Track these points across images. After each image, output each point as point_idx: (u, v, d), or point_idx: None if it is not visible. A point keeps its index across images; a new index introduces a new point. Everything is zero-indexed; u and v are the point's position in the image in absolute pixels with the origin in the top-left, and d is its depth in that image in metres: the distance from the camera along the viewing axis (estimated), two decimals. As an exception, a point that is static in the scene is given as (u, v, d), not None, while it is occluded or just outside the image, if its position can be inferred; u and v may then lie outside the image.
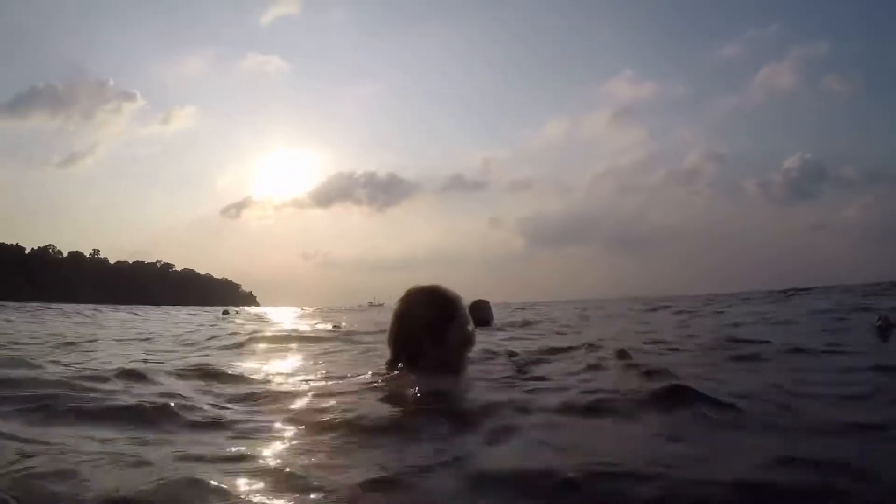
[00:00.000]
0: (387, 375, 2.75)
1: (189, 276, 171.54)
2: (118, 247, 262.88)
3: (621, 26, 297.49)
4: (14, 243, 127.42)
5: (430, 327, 2.72)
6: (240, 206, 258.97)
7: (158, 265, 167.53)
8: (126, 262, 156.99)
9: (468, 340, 2.85)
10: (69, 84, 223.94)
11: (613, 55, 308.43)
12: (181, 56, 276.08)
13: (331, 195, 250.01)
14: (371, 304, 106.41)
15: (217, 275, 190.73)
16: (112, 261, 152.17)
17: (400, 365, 2.78)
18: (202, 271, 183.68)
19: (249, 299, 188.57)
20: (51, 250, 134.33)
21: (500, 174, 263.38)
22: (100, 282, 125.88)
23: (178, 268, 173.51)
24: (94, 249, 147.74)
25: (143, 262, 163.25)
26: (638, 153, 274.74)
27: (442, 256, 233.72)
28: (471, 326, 2.86)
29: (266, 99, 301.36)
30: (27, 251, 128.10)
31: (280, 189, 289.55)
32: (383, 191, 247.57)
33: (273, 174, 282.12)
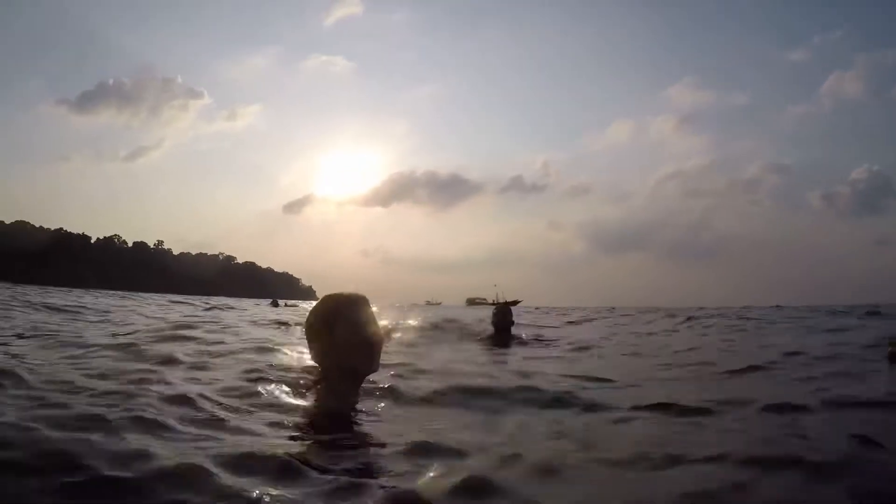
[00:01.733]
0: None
1: (250, 269, 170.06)
2: (182, 238, 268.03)
3: (681, 32, 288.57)
4: (81, 233, 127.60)
5: (322, 329, 2.89)
6: (302, 203, 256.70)
7: (221, 257, 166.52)
8: (189, 254, 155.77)
9: (361, 342, 2.90)
10: (137, 81, 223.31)
11: (673, 62, 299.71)
12: (247, 56, 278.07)
13: (391, 194, 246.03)
14: (429, 303, 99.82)
15: (278, 268, 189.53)
16: (175, 252, 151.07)
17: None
18: (263, 265, 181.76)
19: (309, 293, 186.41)
20: (116, 240, 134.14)
21: (560, 177, 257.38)
22: (163, 272, 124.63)
23: (240, 260, 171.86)
24: (157, 240, 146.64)
25: (205, 254, 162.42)
26: (697, 162, 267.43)
27: (501, 257, 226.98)
28: (368, 330, 2.92)
29: (329, 98, 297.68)
30: (93, 241, 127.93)
31: (342, 187, 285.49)
32: (444, 191, 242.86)
33: (335, 172, 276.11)
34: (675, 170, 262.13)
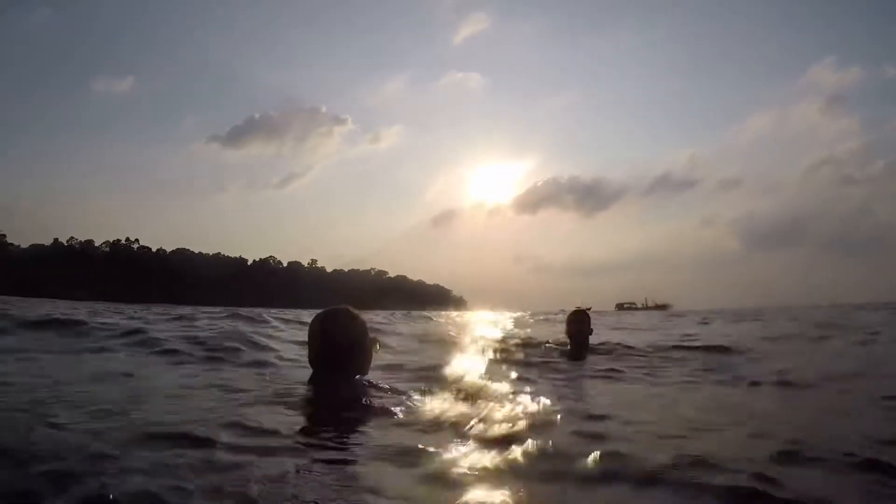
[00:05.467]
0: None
1: (401, 282, 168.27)
2: (335, 256, 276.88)
3: (816, 10, 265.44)
4: (237, 256, 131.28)
5: (358, 341, 3.27)
6: (450, 215, 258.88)
7: (372, 272, 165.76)
8: (342, 271, 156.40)
9: (375, 348, 3.47)
10: (283, 113, 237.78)
11: (812, 41, 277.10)
12: (384, 80, 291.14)
13: (538, 201, 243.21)
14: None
15: (429, 281, 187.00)
16: (329, 269, 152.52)
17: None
18: (414, 278, 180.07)
19: (461, 303, 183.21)
20: (271, 261, 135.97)
21: (708, 172, 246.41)
22: (317, 289, 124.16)
23: (392, 275, 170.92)
24: (311, 259, 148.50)
25: (357, 270, 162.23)
26: (851, 145, 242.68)
27: (652, 259, 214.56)
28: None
29: (468, 113, 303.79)
30: (249, 262, 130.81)
31: (487, 197, 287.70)
32: (590, 195, 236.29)
33: (480, 183, 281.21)
34: (828, 155, 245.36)
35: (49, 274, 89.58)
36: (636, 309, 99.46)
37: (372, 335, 3.40)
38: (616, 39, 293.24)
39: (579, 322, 7.09)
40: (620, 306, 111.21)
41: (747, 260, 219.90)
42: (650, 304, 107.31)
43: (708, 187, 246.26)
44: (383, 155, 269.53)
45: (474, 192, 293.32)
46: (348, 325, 3.22)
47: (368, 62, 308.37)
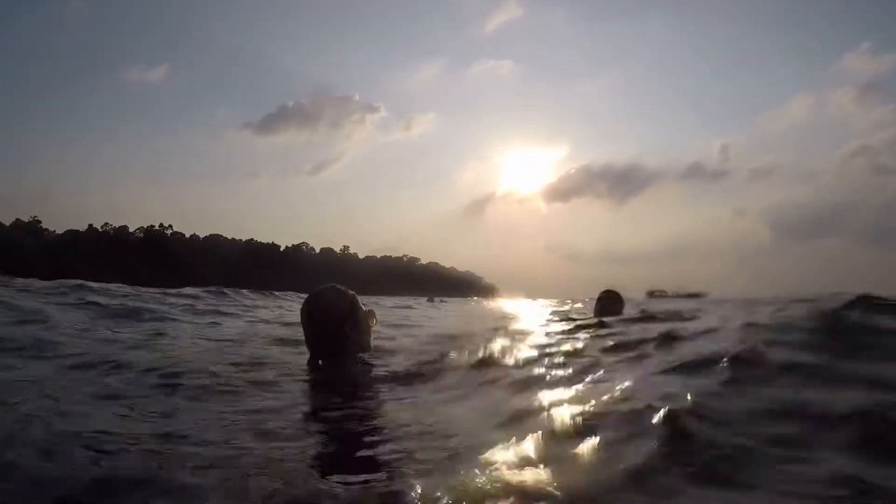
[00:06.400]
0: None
1: (433, 269, 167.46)
2: (366, 243, 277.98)
3: None
4: (270, 242, 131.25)
5: (349, 316, 3.13)
6: (481, 203, 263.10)
7: (405, 259, 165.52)
8: (374, 257, 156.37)
9: (372, 322, 3.40)
10: (316, 101, 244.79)
11: (846, 28, 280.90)
12: (417, 69, 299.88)
13: (570, 189, 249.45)
14: None
15: (461, 268, 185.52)
16: (361, 255, 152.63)
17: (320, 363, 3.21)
18: (447, 265, 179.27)
19: (491, 291, 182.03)
20: (304, 247, 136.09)
21: (741, 161, 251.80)
22: (349, 275, 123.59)
23: (424, 261, 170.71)
24: (343, 246, 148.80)
25: (389, 257, 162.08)
26: (886, 134, 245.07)
27: (684, 248, 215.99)
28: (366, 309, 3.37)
29: (500, 101, 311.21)
30: (282, 248, 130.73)
31: (520, 185, 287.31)
32: (622, 182, 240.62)
33: (512, 171, 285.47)
34: (862, 144, 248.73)
35: (82, 259, 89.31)
36: (667, 297, 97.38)
37: (368, 308, 3.31)
38: (648, 27, 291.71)
39: (609, 300, 6.53)
40: (651, 294, 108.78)
41: (778, 250, 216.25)
42: (682, 292, 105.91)
43: (740, 176, 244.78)
44: (416, 142, 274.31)
45: (506, 179, 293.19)
46: (335, 302, 3.15)
47: (401, 50, 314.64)
